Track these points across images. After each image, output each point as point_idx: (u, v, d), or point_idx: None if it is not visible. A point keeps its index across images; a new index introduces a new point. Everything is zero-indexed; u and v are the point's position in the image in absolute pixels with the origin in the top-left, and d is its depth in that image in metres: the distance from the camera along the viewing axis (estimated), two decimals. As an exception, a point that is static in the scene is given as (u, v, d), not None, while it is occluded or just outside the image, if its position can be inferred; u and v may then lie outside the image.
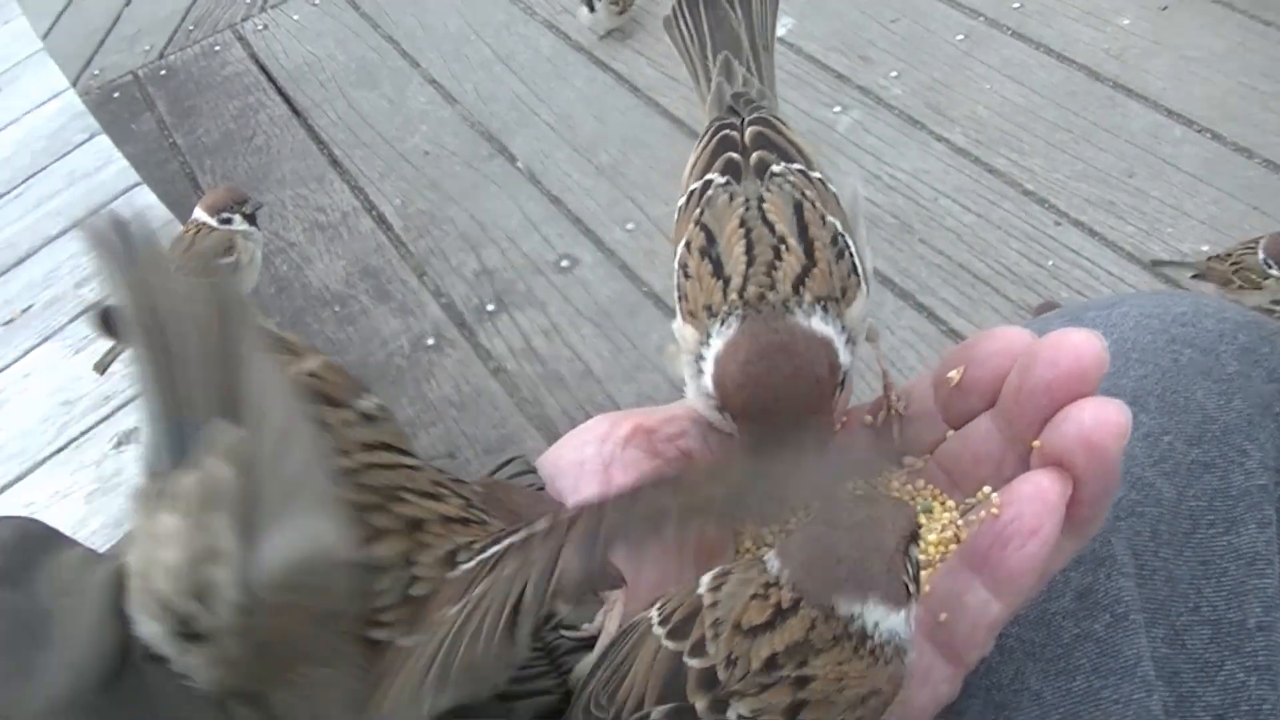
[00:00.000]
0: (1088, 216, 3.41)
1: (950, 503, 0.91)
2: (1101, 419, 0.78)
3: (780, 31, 4.24)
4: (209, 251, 2.94)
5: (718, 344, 0.91)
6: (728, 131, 1.05)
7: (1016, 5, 4.22)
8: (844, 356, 0.92)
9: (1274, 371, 1.03)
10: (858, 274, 0.98)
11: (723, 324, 0.92)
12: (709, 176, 1.01)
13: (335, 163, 4.29)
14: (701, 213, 0.98)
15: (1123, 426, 0.78)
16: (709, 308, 0.93)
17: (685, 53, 1.21)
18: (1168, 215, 3.35)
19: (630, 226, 3.70)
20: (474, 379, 3.37)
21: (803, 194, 0.99)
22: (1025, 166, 3.62)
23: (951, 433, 0.93)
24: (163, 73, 4.94)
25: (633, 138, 4.08)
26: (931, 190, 3.62)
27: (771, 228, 0.96)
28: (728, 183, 1.00)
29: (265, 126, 4.54)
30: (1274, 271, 2.79)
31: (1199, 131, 3.58)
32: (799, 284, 0.93)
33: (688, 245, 0.97)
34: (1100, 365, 0.80)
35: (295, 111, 4.59)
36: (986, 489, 0.87)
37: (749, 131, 1.04)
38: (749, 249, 0.94)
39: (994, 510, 0.82)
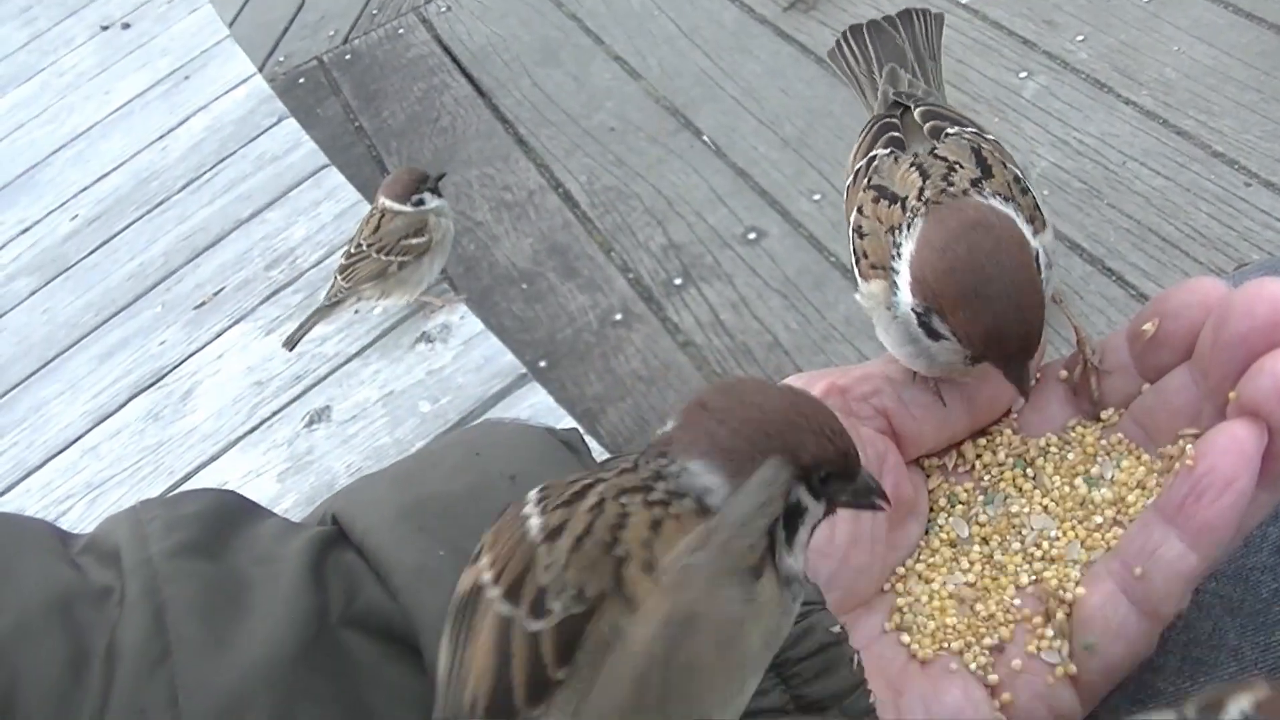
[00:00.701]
0: (1279, 177, 3.28)
1: (1146, 457, 0.90)
2: None
3: (965, -1, 4.19)
4: (400, 231, 2.97)
5: (908, 249, 0.90)
6: (888, 119, 1.06)
7: (1206, -36, 4.08)
8: (1041, 257, 0.91)
9: None
10: (1041, 212, 0.96)
11: (907, 229, 0.90)
12: (874, 152, 1.01)
13: (520, 141, 4.29)
14: (869, 180, 0.98)
15: None
16: (892, 229, 0.92)
17: (852, 75, 1.21)
18: (1365, 174, 3.21)
19: (817, 198, 3.65)
20: (662, 353, 3.35)
21: (980, 143, 0.98)
22: (1214, 128, 3.50)
23: (1147, 386, 0.92)
24: (347, 57, 5.00)
25: (818, 109, 4.02)
26: (1119, 154, 3.52)
27: (945, 159, 0.95)
28: (891, 152, 0.99)
29: (450, 107, 4.57)
30: None
31: (1401, 89, 3.43)
32: (977, 181, 0.93)
33: (860, 210, 0.96)
34: None
35: (480, 92, 4.61)
36: (1182, 442, 0.86)
37: (918, 111, 1.05)
38: (923, 174, 0.94)
39: (1189, 462, 0.81)
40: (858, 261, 0.96)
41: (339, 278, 2.95)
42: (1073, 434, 0.94)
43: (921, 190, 0.92)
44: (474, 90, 4.63)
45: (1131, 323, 0.92)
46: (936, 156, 0.96)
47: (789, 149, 3.87)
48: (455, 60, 4.81)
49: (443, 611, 0.72)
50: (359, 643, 0.78)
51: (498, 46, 4.81)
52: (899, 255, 0.91)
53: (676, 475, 0.67)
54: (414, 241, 2.96)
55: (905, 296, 0.90)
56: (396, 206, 3.00)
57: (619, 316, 3.50)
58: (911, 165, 0.96)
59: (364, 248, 2.94)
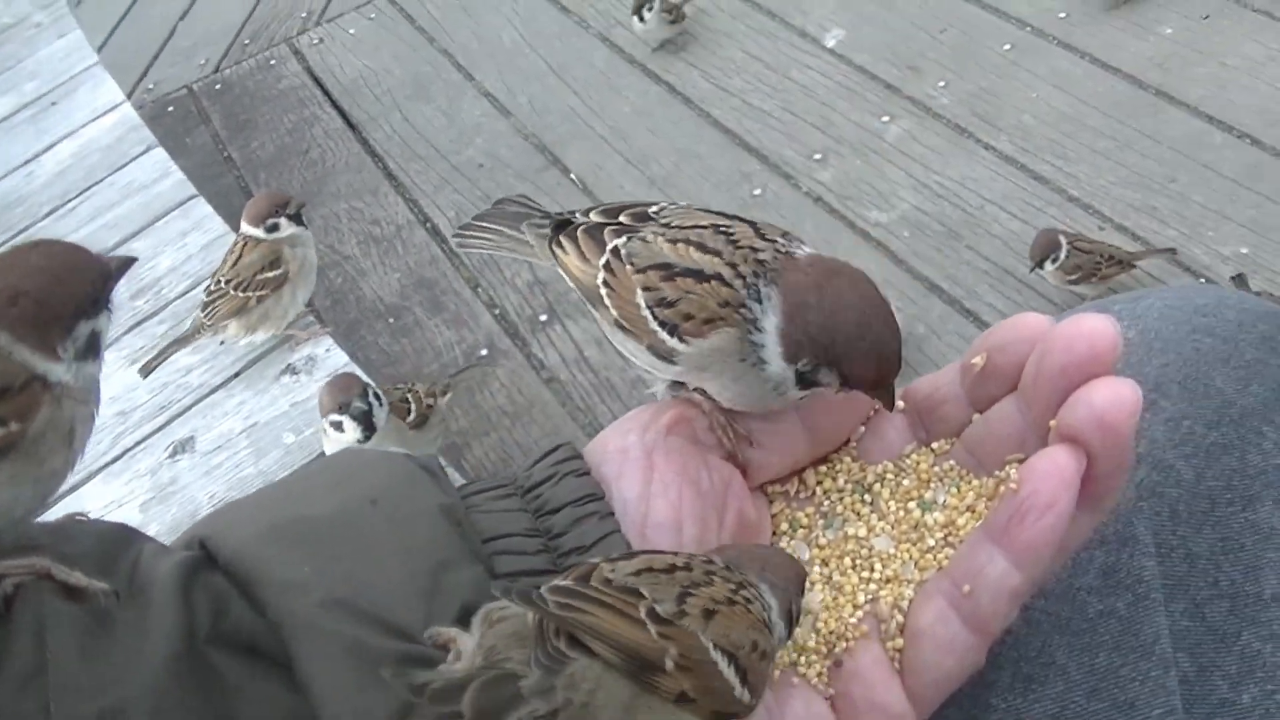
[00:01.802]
0: (1131, 221, 3.43)
1: (975, 481, 0.94)
2: (1113, 398, 0.81)
3: (830, 43, 4.32)
4: (255, 265, 2.95)
5: (772, 317, 0.93)
6: (583, 223, 1.08)
7: (1063, 15, 4.25)
8: None
9: None
10: None
11: (759, 297, 0.93)
12: (613, 244, 1.02)
13: (390, 176, 4.33)
14: (634, 265, 1.00)
15: (1134, 404, 0.81)
16: (725, 303, 0.95)
17: (502, 241, 1.19)
18: (1210, 219, 3.37)
19: (684, 237, 3.68)
20: (527, 389, 3.39)
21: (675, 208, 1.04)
22: (1070, 173, 3.64)
23: (978, 416, 0.96)
24: (218, 86, 5.00)
25: (685, 149, 4.10)
26: (978, 197, 3.64)
27: (695, 225, 1.00)
28: (629, 239, 1.01)
29: (320, 140, 4.59)
30: None
31: (1239, 137, 3.60)
32: (764, 235, 0.97)
33: (647, 289, 0.98)
34: (1113, 348, 0.83)
35: (350, 125, 4.64)
36: (1009, 468, 0.90)
37: (593, 213, 1.08)
38: (703, 249, 0.97)
39: (1013, 486, 0.86)
40: (676, 328, 0.97)
41: (200, 314, 2.93)
42: (908, 461, 0.98)
43: (734, 263, 0.95)
44: (344, 123, 4.65)
45: (964, 357, 0.96)
46: (690, 228, 1.00)
47: (655, 188, 3.94)
48: (326, 93, 4.84)
49: (312, 625, 0.77)
50: (227, 660, 0.80)
51: (369, 80, 4.84)
52: (759, 329, 0.93)
53: None
54: (270, 275, 2.95)
55: (778, 359, 0.93)
56: (251, 230, 2.98)
57: (485, 352, 3.53)
58: (673, 243, 0.99)
59: (222, 284, 2.92)
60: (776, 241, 0.96)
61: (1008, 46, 4.17)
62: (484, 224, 1.17)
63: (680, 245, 0.97)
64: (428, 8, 5.18)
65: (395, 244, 4.02)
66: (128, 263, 0.87)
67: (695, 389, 1.00)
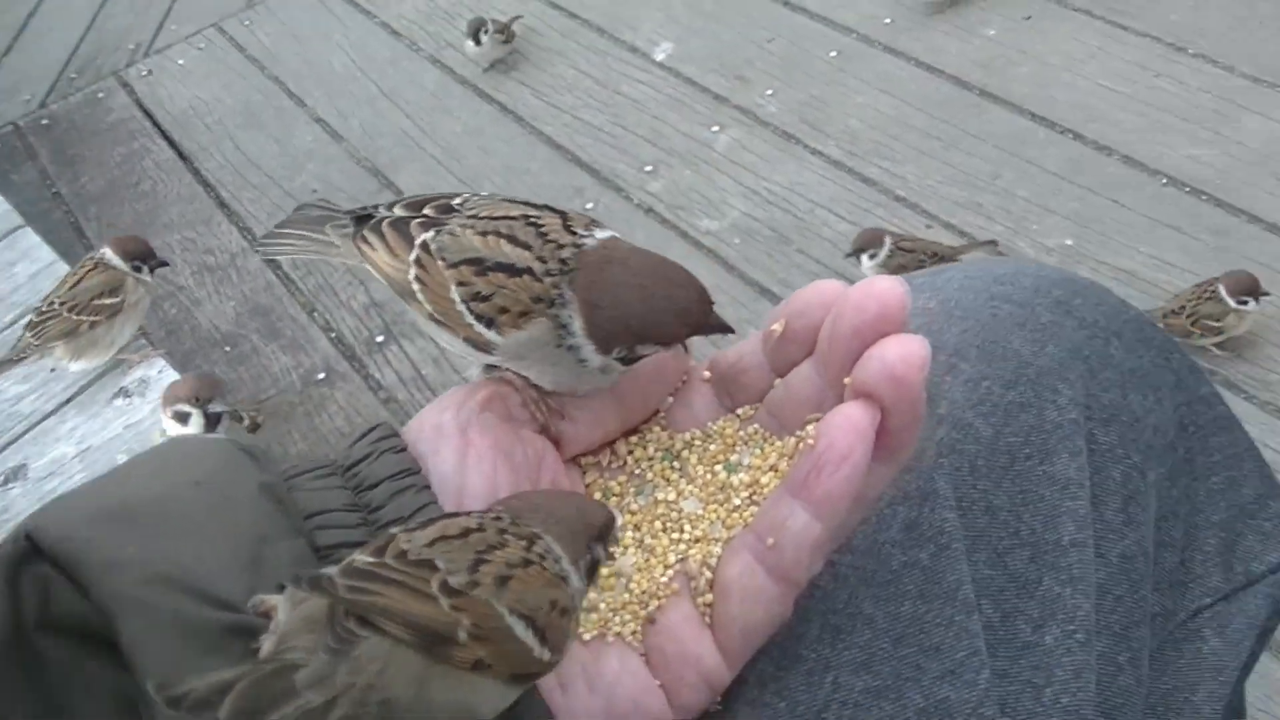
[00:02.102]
0: (957, 219, 3.51)
1: (778, 442, 0.97)
2: (902, 353, 0.84)
3: (659, 56, 4.35)
4: (94, 290, 2.92)
5: (578, 312, 0.96)
6: (389, 216, 1.08)
7: (888, 21, 4.34)
8: None
9: (1084, 320, 1.10)
10: None
11: (568, 291, 0.96)
12: (421, 239, 1.03)
13: (223, 205, 4.30)
14: (445, 260, 1.01)
15: (922, 359, 0.84)
16: (537, 298, 0.97)
17: (305, 244, 1.19)
18: (1034, 213, 3.46)
19: (518, 254, 3.70)
20: (365, 410, 3.39)
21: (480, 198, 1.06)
22: (898, 174, 3.73)
23: (779, 381, 0.99)
24: (44, 122, 4.93)
25: (517, 167, 4.13)
26: (808, 202, 3.70)
27: (510, 218, 1.01)
28: (437, 233, 1.03)
29: (151, 172, 4.54)
30: (1248, 306, 2.93)
31: (1061, 133, 3.72)
32: (570, 228, 0.99)
33: (461, 284, 1.00)
34: (902, 307, 0.86)
35: (181, 156, 4.60)
36: (808, 427, 0.94)
37: (397, 207, 1.08)
38: (514, 241, 0.99)
39: (810, 442, 0.88)
40: (492, 321, 0.99)
41: (28, 334, 2.88)
42: (715, 428, 1.01)
43: (543, 258, 0.97)
44: (175, 154, 4.61)
45: (763, 324, 0.99)
46: (495, 219, 1.01)
47: (489, 207, 3.93)
48: (156, 124, 4.79)
49: (135, 601, 0.78)
50: (56, 646, 0.82)
51: (199, 110, 4.80)
52: (568, 323, 0.96)
53: None
54: (107, 301, 2.92)
55: (594, 351, 0.96)
56: (114, 259, 2.97)
57: (322, 375, 3.53)
58: (483, 234, 1.01)
59: (55, 305, 2.89)
60: (578, 234, 0.98)
61: (834, 53, 4.25)
62: (287, 230, 1.17)
63: (491, 238, 0.99)
64: (258, 36, 5.16)
65: (230, 272, 4.00)
66: None
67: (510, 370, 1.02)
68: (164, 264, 3.10)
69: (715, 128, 4.08)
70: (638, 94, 4.33)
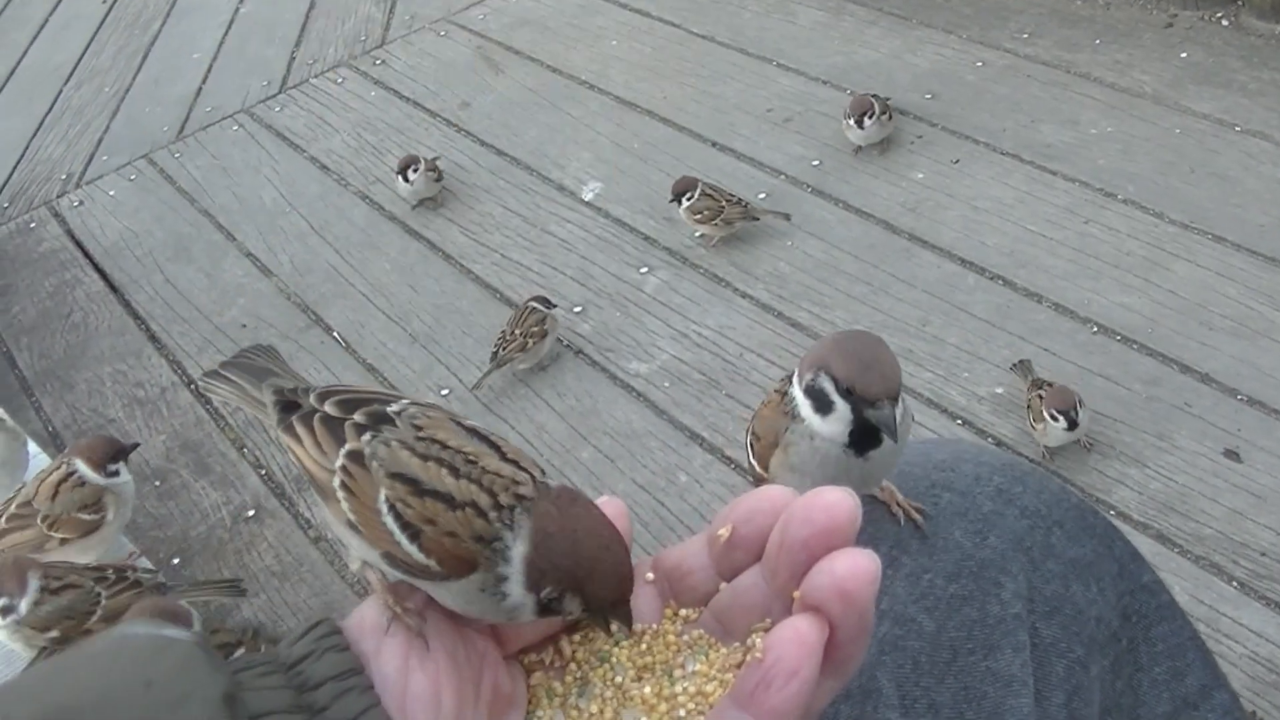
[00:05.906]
0: (889, 361, 3.52)
1: (724, 649, 0.97)
2: (853, 569, 0.83)
3: (588, 196, 4.41)
4: (75, 504, 2.86)
5: (519, 551, 0.96)
6: (317, 411, 1.08)
7: (816, 163, 4.41)
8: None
9: (1026, 509, 1.12)
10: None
11: (511, 532, 0.96)
12: (352, 446, 1.03)
13: (153, 338, 4.32)
14: (385, 471, 1.01)
15: (873, 574, 0.84)
16: (478, 537, 0.97)
17: (239, 395, 1.21)
18: (964, 360, 3.49)
19: (445, 393, 3.79)
20: (295, 548, 3.40)
21: (438, 411, 1.05)
22: (827, 319, 3.75)
23: (724, 585, 0.99)
24: (-25, 251, 4.93)
25: (446, 305, 4.18)
26: (737, 346, 3.74)
27: (443, 445, 1.01)
28: (373, 439, 1.02)
29: (82, 303, 4.57)
30: (1059, 423, 3.02)
31: (991, 279, 3.75)
32: (520, 464, 1.00)
33: (405, 502, 0.99)
34: (852, 520, 0.86)
35: (112, 287, 4.63)
36: (755, 636, 0.94)
37: (329, 402, 1.08)
38: (454, 473, 0.99)
39: (758, 654, 0.88)
40: (418, 545, 0.98)
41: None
42: (658, 629, 1.00)
43: (495, 495, 0.96)
44: (106, 285, 4.64)
45: (710, 527, 0.99)
46: (435, 441, 1.01)
47: (417, 345, 4.01)
48: (88, 255, 4.82)
49: None
50: None
51: (130, 242, 4.84)
52: (507, 559, 0.95)
53: None
54: (86, 517, 2.87)
55: (519, 588, 0.96)
56: (86, 471, 2.92)
57: (252, 512, 3.54)
58: (423, 458, 1.00)
59: (32, 509, 2.83)
60: (532, 472, 0.98)
61: (763, 195, 4.30)
62: (228, 375, 1.18)
63: (432, 464, 0.99)
64: (188, 169, 5.22)
65: (160, 406, 4.02)
66: None
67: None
68: (134, 448, 3.09)
69: (644, 269, 4.13)
70: (566, 234, 4.38)
